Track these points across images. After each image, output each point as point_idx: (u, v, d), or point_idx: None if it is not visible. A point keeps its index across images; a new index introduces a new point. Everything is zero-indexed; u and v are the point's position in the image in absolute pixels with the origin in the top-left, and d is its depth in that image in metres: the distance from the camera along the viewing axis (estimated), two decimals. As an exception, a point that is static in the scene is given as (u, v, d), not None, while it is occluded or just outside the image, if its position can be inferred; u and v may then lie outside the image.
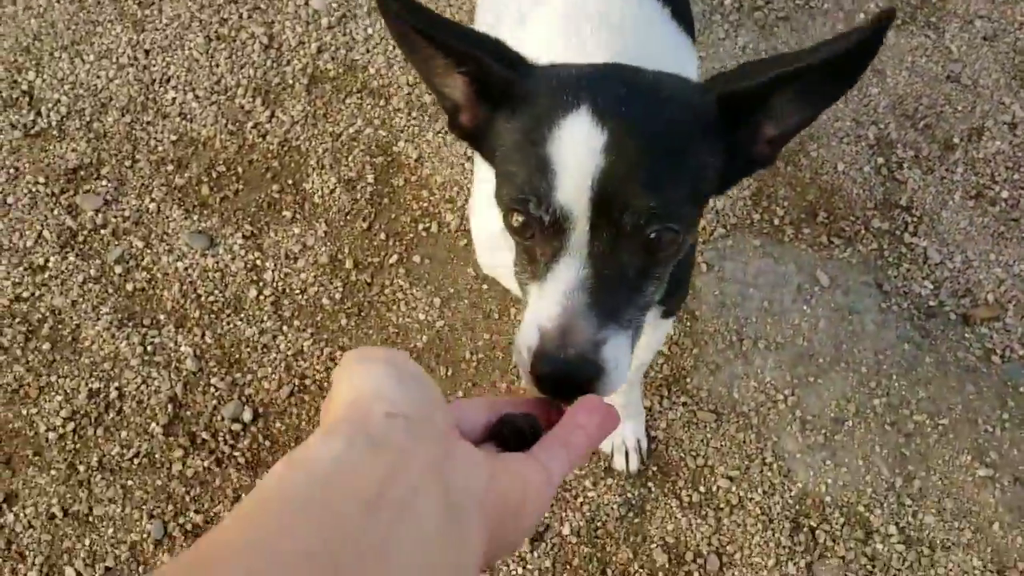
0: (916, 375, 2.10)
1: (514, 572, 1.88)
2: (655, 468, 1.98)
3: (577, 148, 0.92)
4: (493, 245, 1.39)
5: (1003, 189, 2.34)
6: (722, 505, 1.96)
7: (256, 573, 0.43)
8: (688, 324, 2.12)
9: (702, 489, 1.97)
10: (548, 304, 0.95)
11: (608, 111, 0.93)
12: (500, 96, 1.00)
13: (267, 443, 1.97)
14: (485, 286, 2.10)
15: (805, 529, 1.95)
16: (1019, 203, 2.32)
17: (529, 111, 0.97)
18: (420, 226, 2.17)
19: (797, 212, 2.27)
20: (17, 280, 2.08)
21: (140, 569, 1.85)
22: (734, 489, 1.98)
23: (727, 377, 2.08)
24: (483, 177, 1.40)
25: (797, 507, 1.97)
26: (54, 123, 2.24)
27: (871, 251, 2.23)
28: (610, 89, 0.97)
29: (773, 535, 1.94)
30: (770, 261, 2.20)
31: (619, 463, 1.96)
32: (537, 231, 0.96)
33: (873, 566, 1.93)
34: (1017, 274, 2.23)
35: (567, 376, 0.91)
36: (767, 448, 2.02)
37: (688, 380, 2.07)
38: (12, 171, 2.18)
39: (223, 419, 1.97)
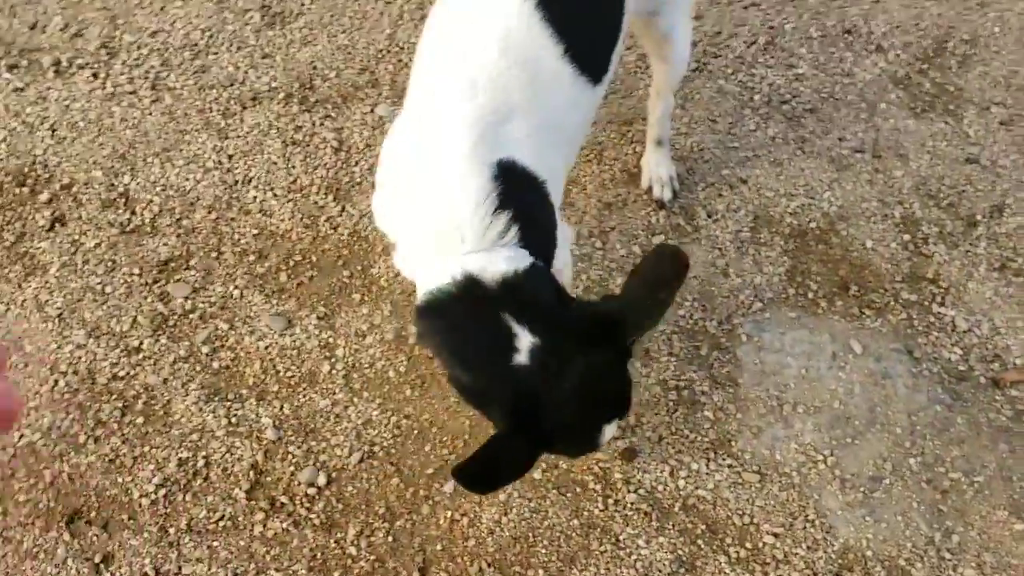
0: (949, 435, 2.21)
1: (572, 625, 1.99)
2: (703, 527, 2.10)
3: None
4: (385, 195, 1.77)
5: (1025, 261, 2.48)
6: (768, 560, 2.07)
7: None
8: (731, 391, 2.27)
9: (748, 545, 2.09)
10: None
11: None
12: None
13: (340, 506, 2.13)
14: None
15: (849, 587, 2.04)
16: (1042, 273, 2.46)
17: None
18: (478, 305, 2.36)
19: (829, 286, 2.43)
20: (114, 361, 2.30)
21: (225, 623, 2.00)
22: (779, 545, 2.08)
23: (769, 440, 2.21)
24: (396, 128, 1.76)
25: (840, 561, 2.07)
26: (147, 220, 2.50)
27: (901, 321, 2.38)
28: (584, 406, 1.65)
29: (819, 597, 2.04)
30: (805, 332, 2.35)
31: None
32: None
33: (917, 618, 2.01)
34: (1044, 340, 2.35)
35: None
36: (809, 506, 2.13)
37: (733, 444, 2.20)
38: (110, 263, 2.43)
39: (300, 484, 2.14)
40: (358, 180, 2.56)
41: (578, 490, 2.15)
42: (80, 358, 2.30)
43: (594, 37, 1.82)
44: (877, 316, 2.38)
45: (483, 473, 1.59)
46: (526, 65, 1.69)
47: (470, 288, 1.62)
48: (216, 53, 2.77)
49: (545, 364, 1.60)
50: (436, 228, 1.65)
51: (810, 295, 2.41)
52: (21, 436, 2.20)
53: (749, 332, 2.35)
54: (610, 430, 1.71)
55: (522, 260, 1.65)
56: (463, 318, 1.64)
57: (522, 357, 1.60)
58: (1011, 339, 2.36)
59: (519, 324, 1.61)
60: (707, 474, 2.17)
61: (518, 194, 1.65)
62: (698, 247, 2.47)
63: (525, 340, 1.60)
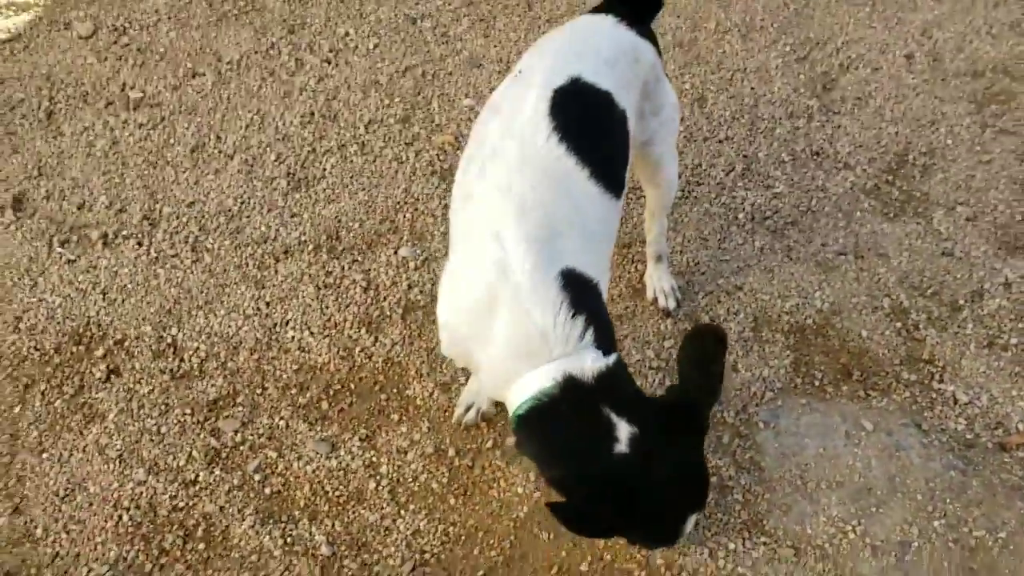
0: (967, 497, 2.35)
1: None
2: (747, 602, 2.19)
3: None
4: (457, 343, 1.98)
5: (1011, 336, 2.69)
6: (814, 629, 2.15)
7: None
8: (756, 475, 2.40)
9: (793, 617, 2.17)
10: None
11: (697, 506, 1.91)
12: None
13: (397, 612, 2.21)
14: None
15: (895, 644, 2.12)
16: (1026, 346, 2.66)
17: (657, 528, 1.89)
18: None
19: (833, 373, 2.62)
20: (173, 494, 2.42)
21: None
22: (822, 614, 2.17)
23: (798, 516, 2.33)
24: (454, 268, 1.96)
25: (883, 624, 2.15)
26: (195, 366, 2.68)
27: (905, 399, 2.55)
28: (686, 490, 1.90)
29: (866, 653, 2.11)
30: (818, 415, 2.52)
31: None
32: None
33: (965, 672, 2.08)
34: (1039, 404, 2.53)
35: None
36: (846, 574, 2.23)
37: (764, 522, 2.33)
38: (163, 407, 2.59)
39: (357, 595, 2.23)
40: (388, 314, 2.77)
41: (623, 578, 2.25)
42: (141, 494, 2.42)
43: (611, 161, 2.09)
44: (882, 396, 2.56)
45: (575, 519, 1.81)
46: (561, 187, 1.95)
47: (571, 387, 1.81)
48: (248, 216, 3.04)
49: (644, 453, 1.80)
50: (524, 343, 1.83)
51: (816, 382, 2.59)
52: (89, 570, 2.29)
53: (765, 419, 2.51)
54: (690, 523, 1.88)
55: (606, 357, 1.86)
56: (567, 415, 1.83)
57: (622, 447, 1.80)
58: (1009, 407, 2.53)
59: (618, 416, 1.81)
60: (744, 552, 2.28)
61: (584, 298, 1.87)
62: (708, 348, 2.66)
63: (624, 430, 1.80)
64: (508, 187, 1.92)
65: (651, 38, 2.33)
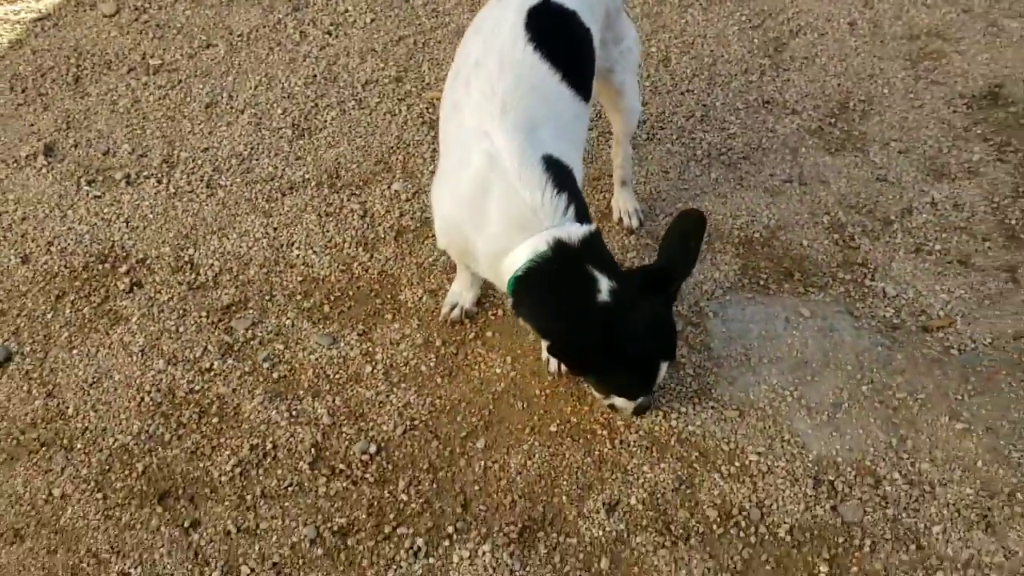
0: (892, 367, 2.66)
1: (596, 533, 2.34)
2: (697, 453, 2.50)
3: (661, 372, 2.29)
4: (455, 231, 2.34)
5: (936, 244, 3.02)
6: (755, 473, 2.45)
7: None
8: (705, 354, 2.72)
9: (737, 464, 2.48)
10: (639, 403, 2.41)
11: (666, 354, 2.29)
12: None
13: (389, 466, 2.51)
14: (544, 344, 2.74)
15: (825, 482, 2.43)
16: (949, 252, 3.00)
17: (623, 363, 2.23)
18: (489, 312, 2.85)
19: (776, 275, 2.94)
20: (190, 379, 2.73)
21: (300, 561, 2.33)
22: (763, 461, 2.48)
23: (743, 385, 2.64)
24: (447, 168, 2.34)
25: (816, 467, 2.46)
26: (210, 278, 3.01)
27: (840, 293, 2.88)
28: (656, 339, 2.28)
29: (800, 488, 2.41)
30: (761, 307, 2.85)
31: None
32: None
33: (886, 503, 2.38)
34: (959, 297, 2.86)
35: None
36: (784, 429, 2.54)
37: (712, 391, 2.64)
38: (181, 311, 2.91)
39: (354, 453, 2.54)
40: (382, 236, 3.11)
41: (588, 436, 2.55)
42: (161, 380, 2.74)
43: (579, 68, 2.44)
44: (819, 291, 2.89)
45: (568, 353, 2.20)
46: (537, 88, 2.30)
47: (561, 249, 2.17)
48: (257, 159, 3.39)
49: (622, 302, 2.17)
50: (517, 218, 2.18)
51: (761, 282, 2.92)
52: (115, 440, 2.60)
53: (715, 311, 2.84)
54: (663, 370, 2.23)
55: (587, 226, 2.22)
56: (558, 272, 2.18)
57: (604, 296, 2.17)
58: (932, 299, 2.86)
59: (599, 272, 2.19)
60: (694, 414, 2.58)
61: (564, 180, 2.22)
62: (666, 257, 3.00)
63: (605, 284, 2.18)
64: (492, 92, 2.27)
65: None
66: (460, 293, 2.84)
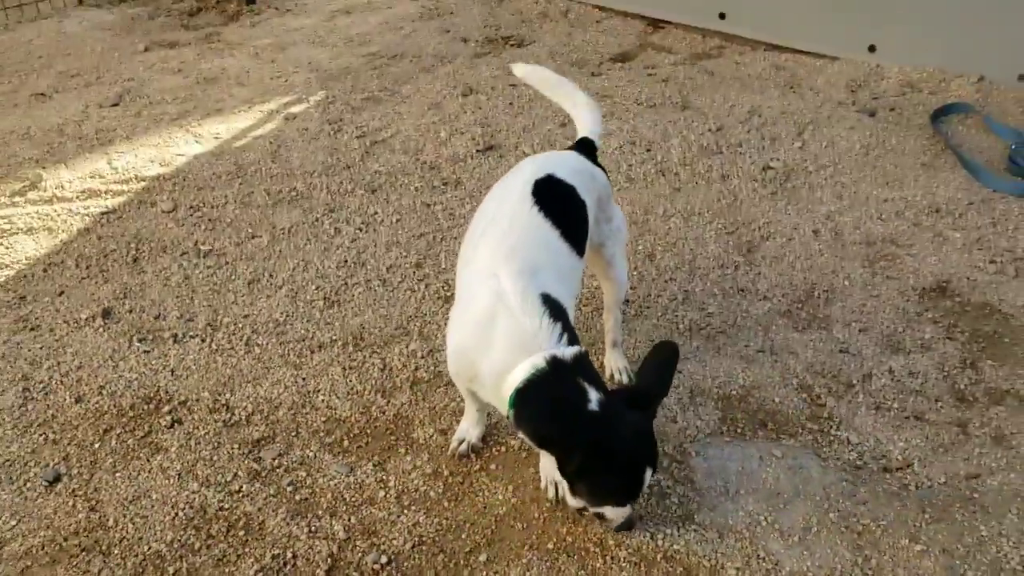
0: (856, 499, 2.95)
1: None
2: (681, 569, 2.73)
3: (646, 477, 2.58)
4: (466, 376, 2.78)
5: (893, 403, 3.38)
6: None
7: None
8: (688, 486, 3.01)
9: (717, 577, 2.71)
10: (625, 519, 2.72)
11: (650, 461, 2.61)
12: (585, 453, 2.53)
13: (399, 574, 2.75)
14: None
15: (798, 593, 2.66)
16: (906, 409, 3.36)
17: (613, 466, 2.56)
18: (494, 448, 3.18)
19: (752, 424, 3.29)
20: (221, 499, 3.02)
21: None
22: (740, 575, 2.71)
23: (722, 512, 2.92)
24: (461, 305, 2.79)
25: (788, 581, 2.69)
26: (243, 418, 3.36)
27: (808, 440, 3.21)
28: (642, 450, 2.61)
29: (775, 598, 2.64)
30: (739, 448, 3.17)
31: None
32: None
33: (854, 612, 2.60)
34: (915, 445, 3.18)
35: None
36: (759, 548, 2.79)
37: (695, 517, 2.90)
38: (215, 443, 3.24)
39: (367, 563, 2.78)
40: (399, 385, 3.48)
41: (583, 552, 2.81)
42: (194, 499, 3.02)
43: (575, 229, 2.95)
44: (790, 437, 3.22)
45: (567, 456, 2.56)
46: (540, 241, 2.80)
47: (556, 364, 2.57)
48: (292, 324, 3.84)
49: (610, 412, 2.55)
50: (519, 341, 2.59)
51: (738, 429, 3.26)
52: (149, 547, 2.85)
53: (697, 450, 3.16)
54: (648, 477, 2.57)
55: (578, 347, 2.64)
56: (553, 384, 2.56)
57: (594, 406, 2.55)
58: (891, 447, 3.19)
59: (589, 385, 2.58)
60: (678, 535, 2.84)
61: (558, 313, 2.67)
62: (653, 409, 3.35)
63: (594, 395, 2.56)
64: (502, 241, 2.76)
65: (603, 170, 3.29)
66: (467, 429, 3.18)
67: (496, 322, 2.63)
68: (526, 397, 2.57)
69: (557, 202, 2.93)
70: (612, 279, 3.39)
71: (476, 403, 3.08)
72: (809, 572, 2.71)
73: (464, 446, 3.17)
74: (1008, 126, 5.31)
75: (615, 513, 2.66)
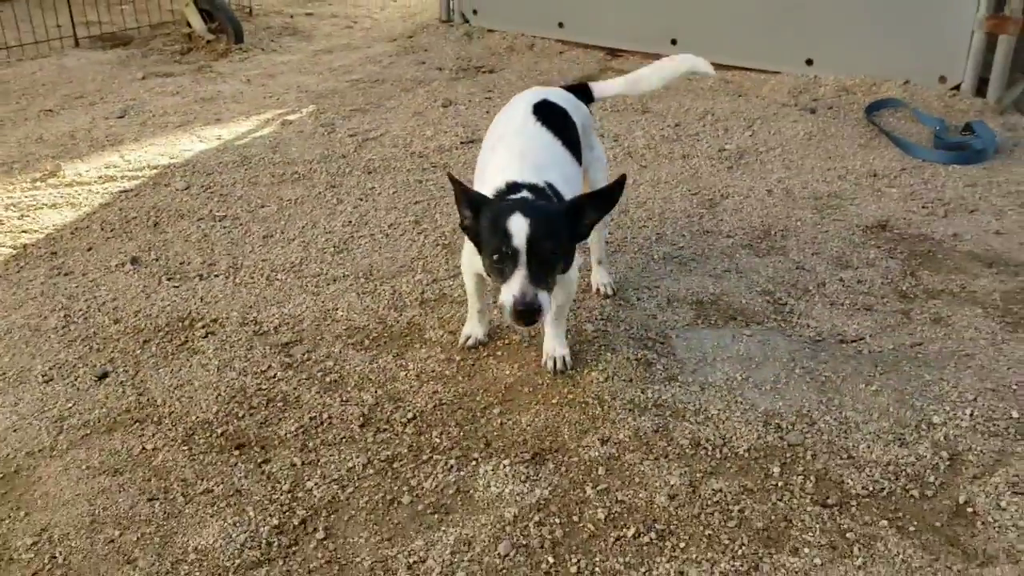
0: (818, 360, 3.40)
1: (593, 455, 2.94)
2: (670, 412, 3.15)
3: (518, 227, 2.78)
4: (471, 269, 3.27)
5: (845, 301, 3.87)
6: (717, 420, 3.09)
7: None
8: (671, 358, 3.44)
9: (702, 416, 3.12)
10: (513, 287, 2.77)
11: (527, 213, 2.84)
12: (478, 213, 2.91)
13: (424, 425, 3.12)
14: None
15: (772, 423, 3.07)
16: (856, 304, 3.84)
17: (491, 218, 2.85)
18: (498, 341, 3.59)
19: (722, 317, 3.74)
20: (259, 383, 3.38)
21: (355, 478, 2.88)
22: (722, 413, 3.12)
23: (702, 373, 3.34)
24: (468, 248, 3.23)
25: (764, 416, 3.11)
26: (271, 328, 3.73)
27: (773, 325, 3.67)
28: (526, 206, 2.90)
29: (753, 427, 3.05)
30: (713, 331, 3.62)
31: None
32: (504, 260, 2.79)
33: (821, 433, 3.02)
34: (866, 326, 3.65)
35: (528, 312, 2.74)
36: (737, 396, 3.21)
37: (679, 377, 3.33)
38: (249, 346, 3.60)
39: (396, 419, 3.15)
40: (408, 304, 3.89)
41: (583, 404, 3.21)
42: (234, 383, 3.37)
43: (571, 140, 3.45)
44: (758, 325, 3.68)
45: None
46: (543, 147, 3.29)
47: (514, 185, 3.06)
48: (307, 265, 4.24)
49: (516, 197, 3.01)
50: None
51: (712, 321, 3.71)
52: (197, 417, 3.20)
53: (677, 334, 3.60)
54: (518, 231, 2.76)
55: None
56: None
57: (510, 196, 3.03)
58: (845, 328, 3.66)
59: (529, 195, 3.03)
60: (665, 390, 3.26)
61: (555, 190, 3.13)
62: (634, 312, 3.80)
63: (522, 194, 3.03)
64: (512, 147, 3.25)
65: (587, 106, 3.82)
66: (473, 327, 3.59)
67: None
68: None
69: (555, 118, 3.43)
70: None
71: (479, 303, 3.50)
72: (782, 410, 3.14)
73: (472, 340, 3.57)
74: (933, 116, 5.96)
75: (506, 294, 2.82)
